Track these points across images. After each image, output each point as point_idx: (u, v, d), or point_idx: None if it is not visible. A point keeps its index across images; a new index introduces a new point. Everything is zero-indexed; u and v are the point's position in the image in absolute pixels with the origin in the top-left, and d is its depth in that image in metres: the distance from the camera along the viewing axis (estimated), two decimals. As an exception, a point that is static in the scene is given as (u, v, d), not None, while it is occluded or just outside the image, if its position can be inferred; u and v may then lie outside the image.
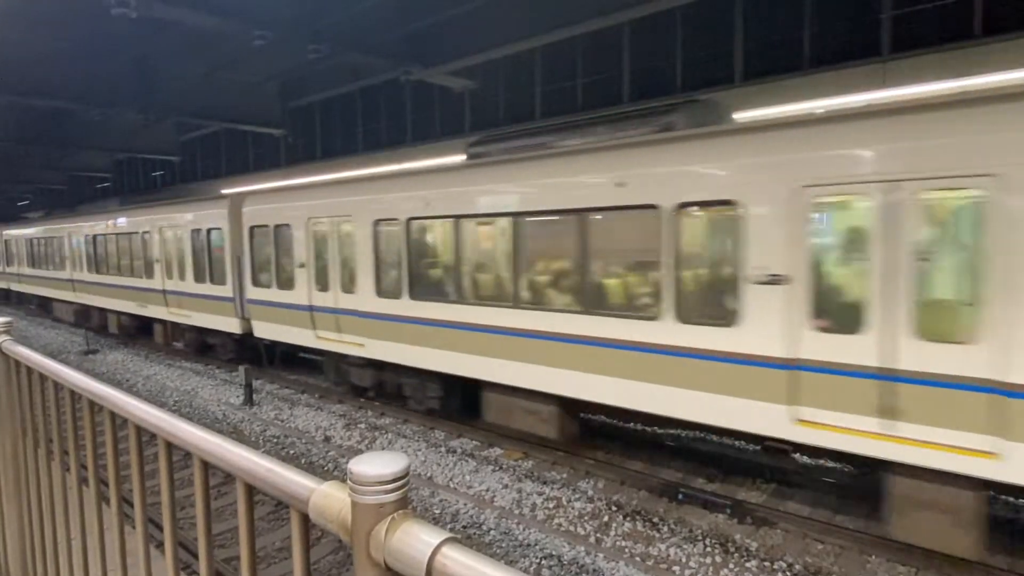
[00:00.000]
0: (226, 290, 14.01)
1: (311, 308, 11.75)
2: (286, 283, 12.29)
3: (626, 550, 6.71)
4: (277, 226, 12.45)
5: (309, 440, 10.41)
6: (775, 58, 11.60)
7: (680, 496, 7.73)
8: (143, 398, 1.73)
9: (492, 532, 7.21)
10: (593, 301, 7.85)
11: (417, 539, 0.93)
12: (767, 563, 6.35)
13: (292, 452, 9.96)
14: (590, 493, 8.01)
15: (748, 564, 6.36)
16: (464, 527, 7.37)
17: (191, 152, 27.23)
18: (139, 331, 19.15)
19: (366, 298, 10.64)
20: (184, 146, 26.67)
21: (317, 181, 13.45)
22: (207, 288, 14.63)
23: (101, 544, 2.04)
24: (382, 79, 17.13)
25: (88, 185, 35.59)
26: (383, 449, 9.76)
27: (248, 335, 13.95)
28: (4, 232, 29.26)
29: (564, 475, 8.61)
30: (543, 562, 6.54)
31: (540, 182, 8.30)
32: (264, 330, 13.24)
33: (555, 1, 13.00)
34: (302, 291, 11.90)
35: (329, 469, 9.25)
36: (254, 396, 12.65)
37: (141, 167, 31.33)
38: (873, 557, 6.34)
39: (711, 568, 6.33)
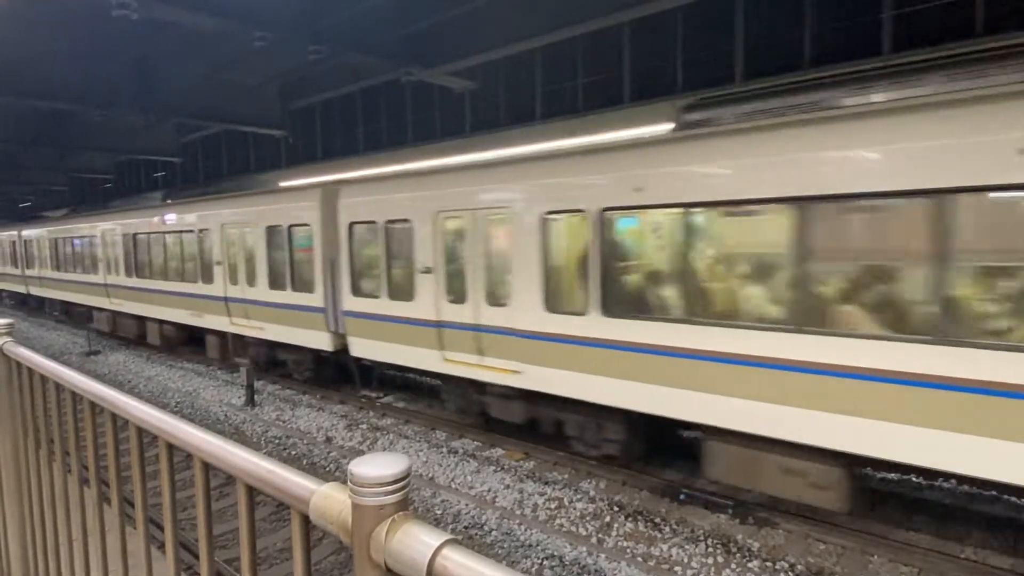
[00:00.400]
0: (315, 299, 11.69)
1: (439, 324, 9.53)
2: (402, 292, 10.10)
3: (628, 550, 6.71)
4: (390, 222, 10.23)
5: (311, 441, 10.42)
6: (775, 58, 11.60)
7: (682, 496, 7.72)
8: (145, 399, 1.74)
9: (494, 533, 7.21)
10: (961, 324, 5.37)
11: (417, 540, 0.93)
12: (769, 563, 6.34)
13: (294, 453, 9.96)
14: (592, 493, 8.01)
15: (750, 564, 6.35)
16: (466, 527, 7.37)
17: (192, 153, 27.27)
18: (185, 343, 17.23)
19: (527, 313, 8.36)
20: (185, 147, 26.72)
21: (451, 165, 10.75)
22: (287, 296, 12.28)
23: (102, 545, 2.04)
24: (382, 80, 17.15)
25: (89, 186, 35.66)
26: (385, 450, 9.78)
27: (341, 352, 11.78)
28: (22, 232, 26.62)
29: (566, 476, 8.60)
30: (545, 563, 6.54)
31: (850, 154, 5.83)
32: (365, 348, 11.06)
33: (555, 1, 13.01)
34: (426, 303, 9.69)
35: (331, 470, 9.25)
36: (256, 397, 12.65)
37: (142, 168, 31.37)
38: (875, 557, 6.33)
39: (713, 568, 6.33)
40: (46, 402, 2.35)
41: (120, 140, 23.50)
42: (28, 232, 26.07)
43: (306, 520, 1.16)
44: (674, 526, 7.14)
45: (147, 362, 17.11)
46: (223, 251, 13.92)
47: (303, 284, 11.96)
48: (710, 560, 6.46)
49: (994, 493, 7.34)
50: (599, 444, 8.31)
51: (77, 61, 15.20)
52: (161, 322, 17.05)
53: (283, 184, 15.51)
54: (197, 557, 1.60)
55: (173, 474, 1.61)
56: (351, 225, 10.94)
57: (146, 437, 1.73)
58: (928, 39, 10.04)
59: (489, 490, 8.26)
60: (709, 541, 6.80)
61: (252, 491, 1.32)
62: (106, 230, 19.15)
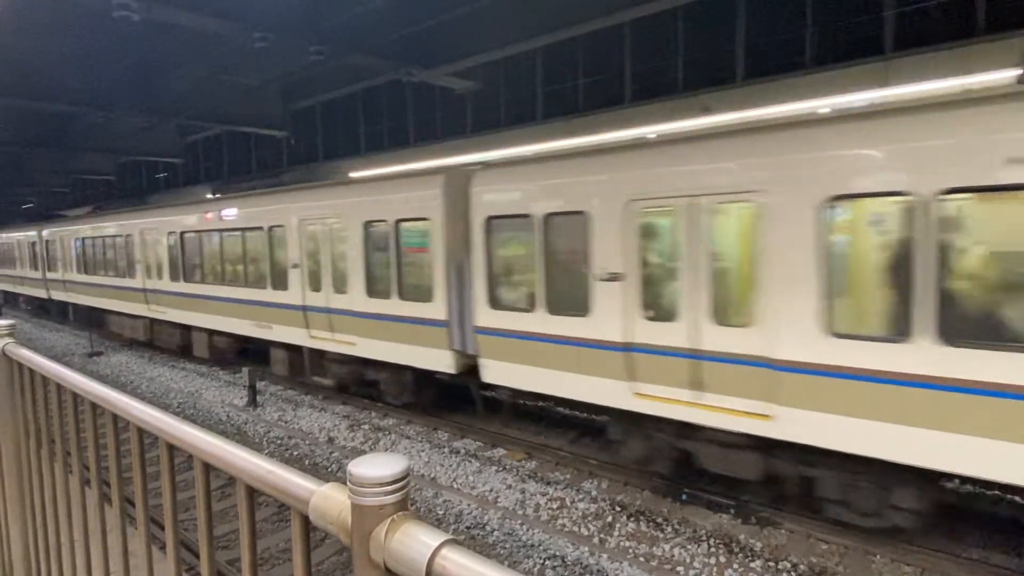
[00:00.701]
0: (433, 311, 9.56)
1: (628, 348, 7.37)
2: (570, 305, 7.95)
3: (630, 550, 6.70)
4: (553, 215, 8.08)
5: (313, 441, 10.42)
6: (777, 57, 11.59)
7: (684, 496, 7.71)
8: (147, 400, 1.74)
9: (496, 533, 7.22)
10: None
11: (417, 541, 0.93)
12: (771, 563, 6.33)
13: (296, 454, 9.97)
14: (594, 493, 8.01)
15: (752, 564, 6.34)
16: (468, 528, 7.37)
17: (194, 154, 27.35)
18: (240, 356, 15.15)
19: (793, 337, 6.13)
20: (187, 148, 26.81)
21: (652, 138, 8.41)
22: (392, 306, 10.18)
23: (104, 545, 2.04)
24: (383, 80, 17.18)
25: (91, 188, 35.77)
26: (387, 450, 9.78)
27: (467, 375, 9.66)
28: (43, 231, 24.24)
29: (568, 475, 8.60)
30: (547, 563, 6.54)
31: None
32: (506, 374, 8.87)
33: (555, 1, 13.03)
34: (608, 319, 7.53)
35: (333, 470, 9.26)
36: (258, 398, 12.67)
37: (144, 169, 31.47)
38: (878, 557, 6.32)
39: (715, 568, 6.32)
40: (47, 403, 2.36)
41: (122, 141, 23.59)
42: (50, 232, 23.73)
43: (306, 520, 1.16)
44: (676, 526, 7.14)
45: (149, 363, 17.14)
46: (301, 252, 11.74)
47: (416, 292, 9.87)
48: (712, 560, 6.45)
49: (997, 493, 7.33)
50: (880, 512, 6.19)
51: (79, 63, 15.26)
52: (211, 332, 15.02)
53: (355, 174, 13.54)
54: (198, 557, 1.60)
55: (174, 475, 1.61)
56: (489, 220, 8.76)
57: (147, 438, 1.73)
58: (931, 37, 10.04)
59: (491, 490, 8.26)
60: (711, 541, 6.79)
61: (253, 492, 1.32)
62: (146, 228, 16.79)
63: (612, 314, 7.50)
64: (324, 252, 11.32)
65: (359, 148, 20.06)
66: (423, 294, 9.73)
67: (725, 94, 11.91)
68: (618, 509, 7.58)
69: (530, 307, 8.41)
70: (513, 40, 13.88)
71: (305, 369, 12.52)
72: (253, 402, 12.49)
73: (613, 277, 7.45)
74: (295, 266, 11.88)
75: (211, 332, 15.01)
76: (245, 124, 20.57)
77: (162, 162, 28.07)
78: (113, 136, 22.60)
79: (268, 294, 12.70)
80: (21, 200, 42.09)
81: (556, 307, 8.14)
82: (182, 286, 15.44)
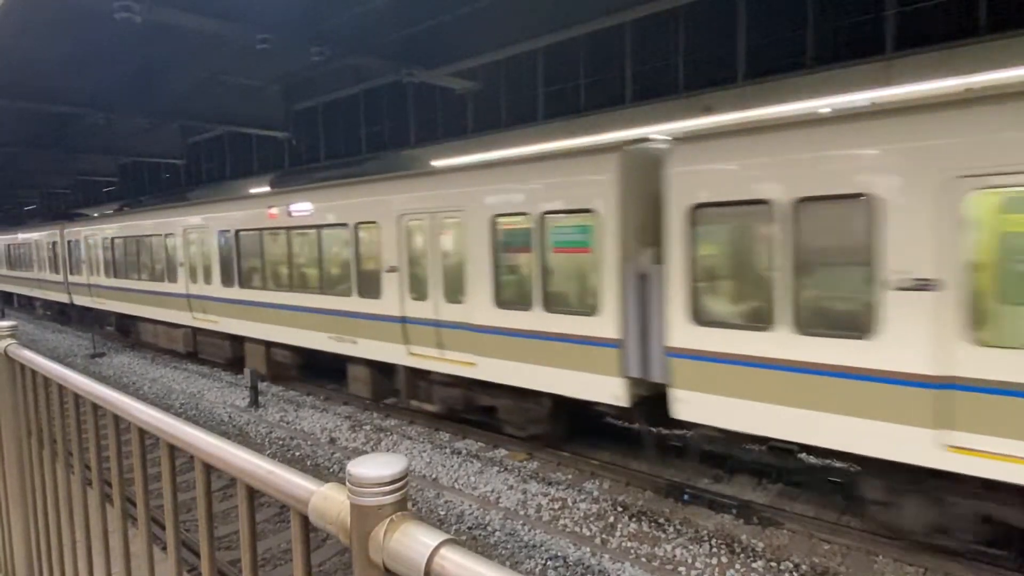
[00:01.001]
0: (599, 326, 7.73)
1: (944, 384, 5.45)
2: (833, 321, 6.10)
3: (632, 551, 6.70)
4: (805, 200, 6.10)
5: (314, 442, 10.43)
6: (778, 57, 11.59)
7: (686, 496, 7.71)
8: (149, 401, 1.75)
9: (497, 533, 7.22)
10: None
11: (416, 540, 0.93)
12: (773, 563, 6.33)
13: (297, 454, 9.98)
14: (595, 494, 8.01)
15: (754, 564, 6.34)
16: (469, 528, 7.38)
17: (196, 155, 27.41)
18: (304, 371, 13.52)
19: None
20: (189, 149, 26.86)
21: (1005, 85, 5.85)
22: (534, 320, 8.35)
23: (105, 545, 2.05)
24: (384, 81, 17.21)
25: (94, 189, 35.86)
26: (388, 451, 9.76)
27: (642, 406, 7.86)
28: (66, 230, 22.28)
29: (569, 476, 8.60)
30: (548, 563, 6.54)
31: None
32: (714, 410, 6.87)
33: (556, 2, 13.04)
34: (907, 340, 5.59)
35: (335, 471, 9.27)
36: (260, 398, 12.68)
37: (146, 170, 31.54)
38: (880, 557, 6.31)
39: (717, 569, 6.32)
40: (49, 404, 2.37)
41: (123, 142, 23.66)
42: (73, 231, 21.69)
43: (306, 521, 1.17)
44: (678, 526, 7.13)
45: (152, 364, 17.17)
46: (401, 253, 9.98)
47: (571, 303, 8.16)
48: (714, 560, 6.45)
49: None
50: None
51: (80, 64, 15.30)
52: (269, 345, 13.36)
53: (438, 163, 12.10)
54: (199, 557, 1.61)
55: (175, 475, 1.62)
56: (696, 209, 6.84)
57: (148, 439, 1.74)
58: (932, 37, 10.03)
59: (492, 491, 8.26)
60: (713, 541, 6.78)
61: (253, 492, 1.33)
62: (192, 226, 14.99)
63: (917, 336, 5.54)
64: (433, 253, 9.55)
65: (360, 149, 20.09)
66: (583, 306, 7.93)
67: (726, 94, 11.91)
68: (620, 509, 7.58)
69: (763, 324, 6.43)
70: (514, 40, 13.90)
71: (400, 391, 10.72)
72: (255, 403, 12.51)
73: (922, 285, 5.50)
74: (392, 269, 10.11)
75: (269, 345, 13.39)
76: (247, 125, 20.62)
77: (164, 163, 28.14)
78: (115, 137, 22.67)
79: (353, 303, 10.94)
80: (23, 201, 42.22)
81: (809, 324, 6.15)
82: (237, 292, 13.67)
